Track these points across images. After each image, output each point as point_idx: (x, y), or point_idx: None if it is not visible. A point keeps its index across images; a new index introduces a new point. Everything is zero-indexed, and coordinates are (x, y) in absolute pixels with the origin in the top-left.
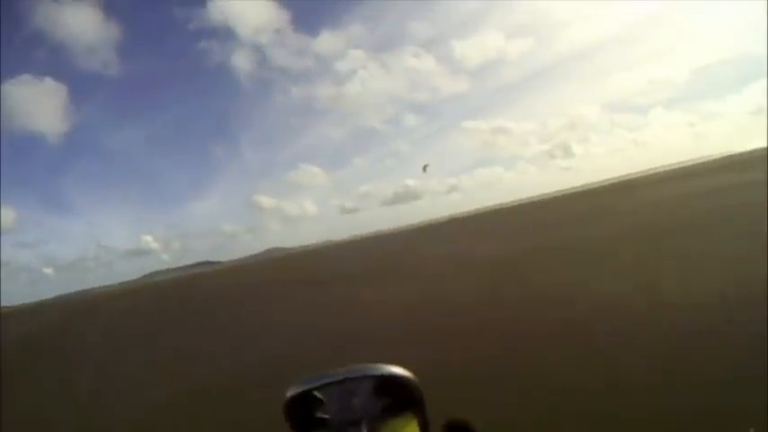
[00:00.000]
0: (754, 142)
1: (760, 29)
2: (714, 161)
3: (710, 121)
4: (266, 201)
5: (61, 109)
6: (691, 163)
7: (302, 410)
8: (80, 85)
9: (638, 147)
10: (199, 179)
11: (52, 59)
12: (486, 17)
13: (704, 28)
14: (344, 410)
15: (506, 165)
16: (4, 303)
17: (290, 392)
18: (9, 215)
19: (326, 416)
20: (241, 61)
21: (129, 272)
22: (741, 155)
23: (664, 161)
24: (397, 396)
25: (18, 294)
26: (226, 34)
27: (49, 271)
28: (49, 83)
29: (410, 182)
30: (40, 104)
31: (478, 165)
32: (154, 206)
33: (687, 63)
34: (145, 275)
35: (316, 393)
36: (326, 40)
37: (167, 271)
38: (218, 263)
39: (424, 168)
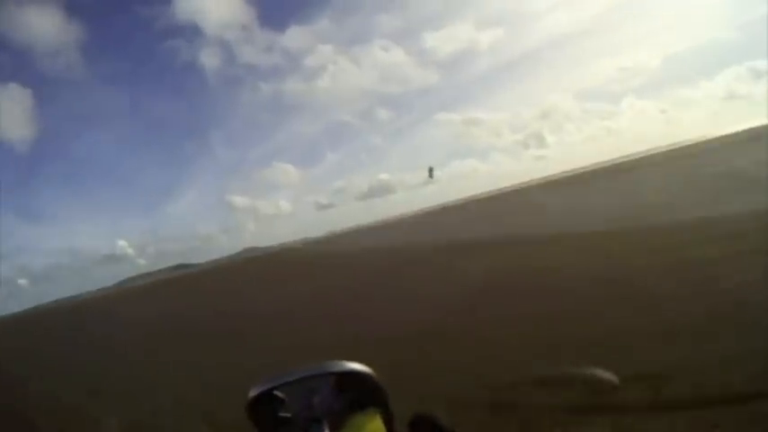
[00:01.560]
0: (726, 127)
1: (730, 15)
2: (694, 145)
3: (682, 107)
4: (240, 200)
5: (27, 115)
6: (670, 148)
7: (265, 410)
8: (46, 89)
9: (611, 134)
10: (170, 181)
11: (15, 64)
12: (456, 8)
13: (675, 15)
14: (306, 408)
15: (480, 156)
16: None
17: (252, 393)
18: None
19: (289, 414)
20: (208, 59)
21: (106, 278)
22: (716, 139)
23: (637, 148)
24: (359, 392)
25: None
26: (192, 32)
27: (23, 282)
28: (13, 88)
29: (384, 176)
30: (5, 111)
31: (452, 156)
32: (126, 210)
33: (658, 50)
34: (123, 280)
35: (277, 393)
36: (294, 36)
37: (144, 276)
38: (195, 265)
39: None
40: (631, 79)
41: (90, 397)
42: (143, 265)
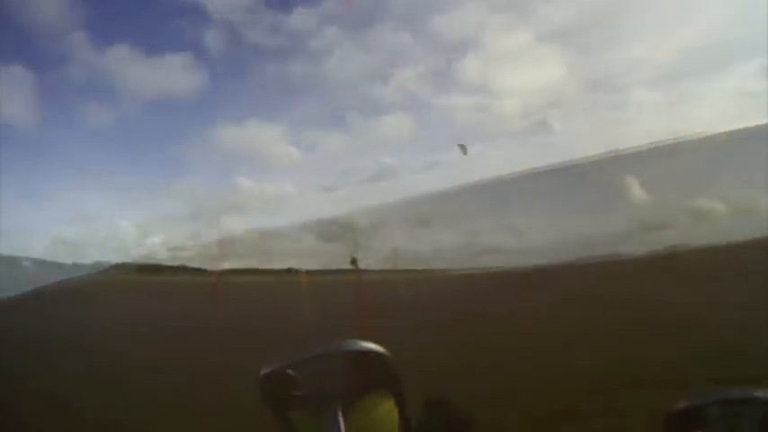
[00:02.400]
0: (733, 124)
1: (743, 11)
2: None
3: (691, 101)
4: (245, 182)
5: (28, 95)
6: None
7: (277, 389)
8: (46, 69)
9: (619, 125)
10: (174, 163)
11: (15, 44)
12: None
13: (686, 8)
14: (318, 388)
15: (486, 141)
16: None
17: (264, 371)
18: None
19: (301, 393)
20: (212, 40)
21: (110, 260)
22: (725, 134)
23: (645, 139)
24: (372, 373)
25: None
26: (195, 12)
27: (27, 263)
28: (12, 68)
29: (388, 159)
30: (8, 91)
31: (457, 141)
32: (130, 191)
33: (669, 43)
34: (124, 263)
35: (289, 371)
36: (300, 18)
37: (150, 257)
38: (204, 246)
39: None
40: (641, 71)
41: None
42: (149, 246)
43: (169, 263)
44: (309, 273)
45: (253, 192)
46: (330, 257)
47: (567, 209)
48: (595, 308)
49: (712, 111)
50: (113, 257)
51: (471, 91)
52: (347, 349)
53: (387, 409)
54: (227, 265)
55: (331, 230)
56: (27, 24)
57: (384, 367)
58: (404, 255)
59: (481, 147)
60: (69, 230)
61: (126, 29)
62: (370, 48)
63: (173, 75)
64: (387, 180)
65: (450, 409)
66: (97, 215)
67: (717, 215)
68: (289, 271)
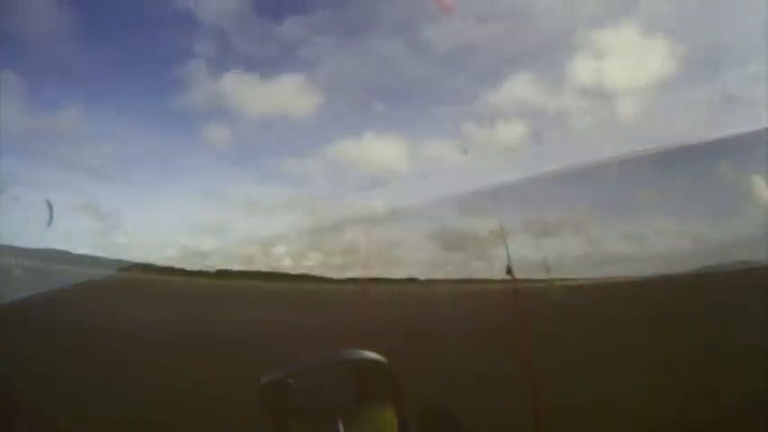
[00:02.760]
0: (721, 130)
1: (732, 17)
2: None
3: (679, 108)
4: (236, 192)
5: (20, 102)
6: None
7: (276, 398)
8: (35, 77)
9: (609, 132)
10: (165, 172)
11: (4, 51)
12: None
13: (676, 15)
14: (318, 398)
15: (476, 150)
16: None
17: (264, 380)
18: None
19: (300, 404)
20: (203, 49)
21: (102, 270)
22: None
23: (633, 146)
24: (372, 383)
25: None
26: (186, 21)
27: (17, 271)
28: (8, 75)
29: (379, 168)
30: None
31: (448, 150)
32: (122, 202)
33: (658, 50)
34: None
35: (290, 381)
36: (291, 27)
37: (145, 266)
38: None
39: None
40: (630, 78)
41: None
42: (141, 255)
43: (291, 271)
44: (433, 282)
45: (373, 202)
46: (455, 266)
47: (684, 206)
48: (726, 321)
49: (702, 116)
50: (238, 266)
51: (462, 100)
52: (347, 359)
53: (386, 418)
54: (349, 274)
55: (454, 239)
56: (14, 34)
57: (384, 377)
58: (523, 264)
59: (471, 156)
60: (196, 240)
61: (116, 39)
62: (362, 57)
63: (289, 94)
64: (377, 189)
65: (450, 418)
66: (223, 227)
67: None
68: (410, 280)
